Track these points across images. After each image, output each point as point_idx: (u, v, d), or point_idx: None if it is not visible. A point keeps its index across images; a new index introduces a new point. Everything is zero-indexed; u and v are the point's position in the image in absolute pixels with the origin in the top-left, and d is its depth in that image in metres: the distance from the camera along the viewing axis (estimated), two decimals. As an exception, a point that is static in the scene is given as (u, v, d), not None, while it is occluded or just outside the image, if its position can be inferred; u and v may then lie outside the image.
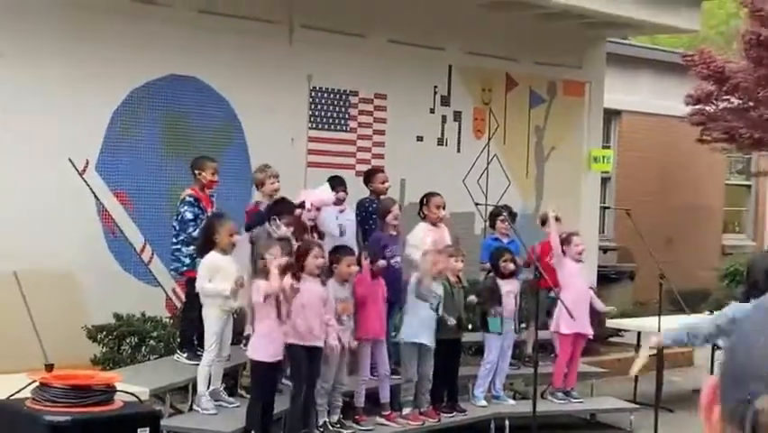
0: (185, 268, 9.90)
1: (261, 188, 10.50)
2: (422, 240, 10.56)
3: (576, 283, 10.92)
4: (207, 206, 10.07)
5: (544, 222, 12.02)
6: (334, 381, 9.26)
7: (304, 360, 8.84)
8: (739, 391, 1.24)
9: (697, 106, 16.69)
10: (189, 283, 9.73)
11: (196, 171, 10.12)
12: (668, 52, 19.78)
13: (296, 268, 8.70)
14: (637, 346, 12.44)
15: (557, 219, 11.16)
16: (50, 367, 6.04)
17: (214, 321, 8.95)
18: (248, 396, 9.27)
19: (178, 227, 9.92)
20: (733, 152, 19.49)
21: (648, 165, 19.22)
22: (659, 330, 10.43)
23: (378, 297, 9.74)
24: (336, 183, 10.89)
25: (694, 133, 16.99)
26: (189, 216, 9.84)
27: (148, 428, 5.81)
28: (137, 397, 6.04)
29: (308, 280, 8.85)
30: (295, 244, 9.48)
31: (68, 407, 5.59)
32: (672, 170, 19.56)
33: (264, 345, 8.41)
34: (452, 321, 9.98)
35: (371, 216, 11.05)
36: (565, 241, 11.12)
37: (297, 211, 10.05)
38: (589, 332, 11.18)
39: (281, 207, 9.91)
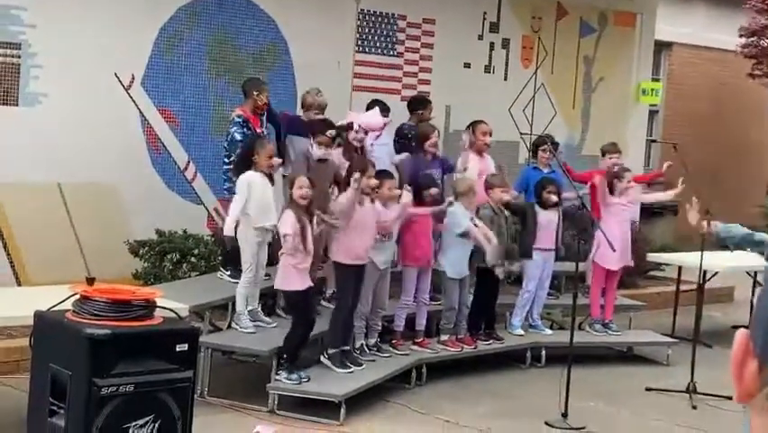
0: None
1: (306, 112, 10.45)
2: (470, 170, 10.47)
3: (617, 219, 10.83)
4: (257, 127, 10.05)
5: (604, 153, 11.94)
6: (376, 304, 9.29)
7: (352, 278, 8.88)
8: None
9: (751, 39, 16.41)
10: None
11: (255, 92, 10.05)
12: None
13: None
14: (678, 280, 12.40)
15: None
16: (91, 280, 6.10)
17: (250, 242, 8.98)
18: (285, 317, 9.34)
19: (227, 147, 9.90)
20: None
21: (697, 99, 18.98)
22: (701, 266, 10.37)
23: (426, 225, 9.73)
24: (380, 108, 10.82)
25: (745, 68, 16.74)
26: (238, 136, 9.80)
27: (186, 345, 5.87)
28: (176, 313, 6.10)
29: (365, 201, 8.86)
30: (343, 165, 9.42)
31: (107, 320, 5.64)
32: (721, 105, 19.31)
33: (294, 275, 8.41)
34: (501, 273, 10.01)
35: (411, 142, 10.96)
36: (617, 175, 11.03)
37: (346, 133, 9.96)
38: (629, 263, 11.12)
39: (318, 127, 9.82)
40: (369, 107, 10.69)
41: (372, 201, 9.00)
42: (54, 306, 5.92)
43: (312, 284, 8.62)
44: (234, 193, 9.40)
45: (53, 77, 10.22)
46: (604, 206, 10.86)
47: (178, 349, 5.80)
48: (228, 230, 8.98)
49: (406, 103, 11.81)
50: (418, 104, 11.58)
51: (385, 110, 10.87)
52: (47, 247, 10.05)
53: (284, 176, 9.75)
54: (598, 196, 11.04)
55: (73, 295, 5.85)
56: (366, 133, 10.00)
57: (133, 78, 10.79)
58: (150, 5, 10.85)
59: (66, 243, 10.28)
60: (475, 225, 9.77)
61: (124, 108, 10.74)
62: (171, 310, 6.05)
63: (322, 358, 8.90)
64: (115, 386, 5.55)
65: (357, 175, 8.61)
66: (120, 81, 10.69)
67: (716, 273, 11.60)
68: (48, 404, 5.71)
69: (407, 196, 9.33)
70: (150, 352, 5.75)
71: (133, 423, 5.65)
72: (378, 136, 10.63)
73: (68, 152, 10.26)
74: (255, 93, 10.06)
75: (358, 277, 8.93)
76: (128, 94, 10.77)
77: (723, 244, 7.53)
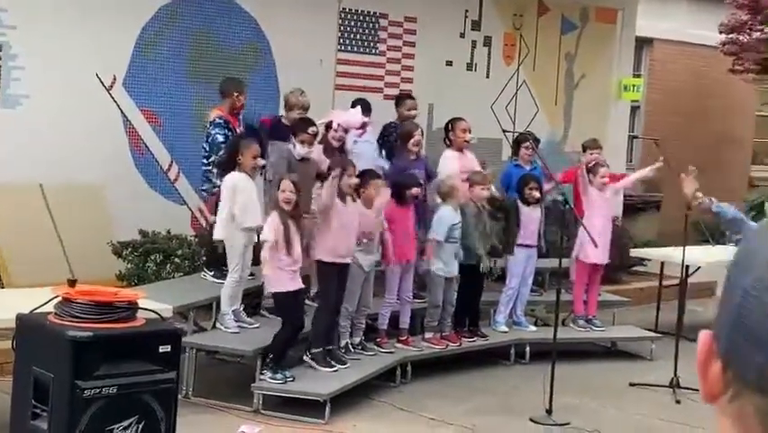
0: (216, 189, 9.90)
1: (289, 112, 10.43)
2: (450, 168, 10.51)
3: (599, 213, 10.86)
4: (236, 127, 10.06)
5: (585, 149, 11.97)
6: (360, 303, 9.30)
7: (334, 277, 8.89)
8: (762, 352, 1.07)
9: (730, 35, 16.47)
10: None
11: (235, 93, 10.06)
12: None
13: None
14: (661, 276, 12.45)
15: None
16: (72, 282, 6.10)
17: (235, 243, 8.98)
18: (270, 316, 9.35)
19: (208, 149, 9.90)
20: (764, 83, 19.25)
21: (678, 95, 19.03)
22: (683, 262, 10.43)
23: (408, 223, 9.75)
24: (362, 107, 10.83)
25: (726, 63, 16.78)
26: (220, 138, 9.80)
27: (169, 346, 5.87)
28: (159, 314, 6.09)
29: (347, 199, 8.87)
30: (324, 162, 9.44)
31: (90, 322, 5.64)
32: (703, 101, 19.37)
33: (283, 276, 8.41)
34: (485, 266, 10.04)
35: (396, 140, 10.99)
36: (592, 170, 11.07)
37: (322, 131, 9.97)
38: (606, 260, 11.15)
39: (299, 126, 9.83)
40: (352, 106, 10.70)
41: (354, 200, 9.01)
42: (36, 308, 5.91)
43: (302, 285, 8.62)
44: (212, 194, 9.42)
45: (34, 78, 10.20)
46: (585, 197, 10.88)
47: (160, 350, 5.80)
48: (218, 234, 8.97)
49: (390, 101, 11.83)
50: (398, 100, 11.63)
51: (367, 109, 10.89)
52: (30, 249, 10.03)
53: (268, 180, 9.71)
54: (580, 188, 11.06)
55: (55, 297, 5.84)
56: (346, 131, 10.01)
57: (115, 79, 10.78)
58: (131, 6, 10.84)
59: (49, 244, 10.25)
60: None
61: (106, 109, 10.72)
62: (154, 312, 6.05)
63: (305, 357, 8.90)
64: (98, 388, 5.55)
65: (335, 172, 8.63)
66: (101, 82, 10.67)
67: (698, 268, 11.65)
68: (31, 407, 5.71)
69: (384, 195, 9.34)
70: (133, 353, 5.75)
71: (117, 425, 5.65)
72: (362, 134, 10.64)
73: (50, 154, 10.23)
74: (236, 94, 10.07)
75: (341, 276, 8.94)
76: (110, 95, 10.75)
77: (716, 221, 7.45)
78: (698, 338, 1.18)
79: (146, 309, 5.99)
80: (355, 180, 8.96)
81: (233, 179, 8.94)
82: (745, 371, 1.09)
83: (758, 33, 16.22)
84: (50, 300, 5.86)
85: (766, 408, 1.07)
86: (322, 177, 9.10)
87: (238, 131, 10.01)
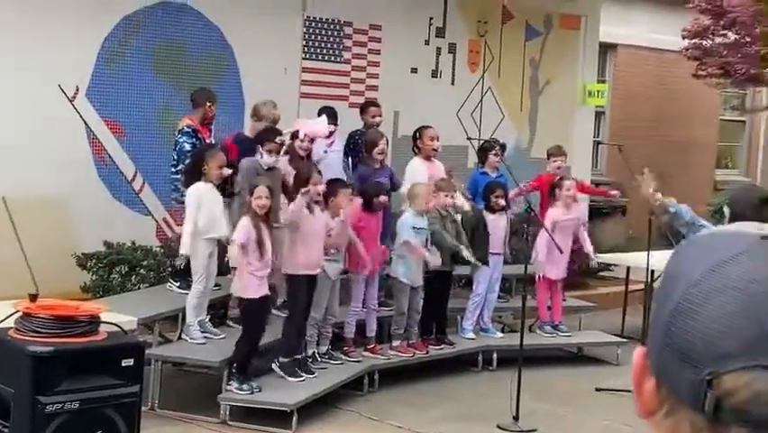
0: (184, 197, 9.85)
1: (256, 122, 10.39)
2: (418, 176, 10.53)
3: (563, 235, 10.87)
4: (206, 137, 10.04)
5: (549, 156, 12.00)
6: (327, 311, 9.29)
7: (304, 287, 8.87)
8: (691, 369, 1.08)
9: (693, 41, 16.56)
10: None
11: (208, 103, 10.06)
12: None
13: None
14: (627, 281, 12.51)
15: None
16: (33, 297, 6.05)
17: (200, 253, 8.94)
18: (235, 327, 9.33)
19: (176, 157, 9.88)
20: (728, 88, 19.40)
21: (643, 100, 19.13)
22: (648, 266, 10.49)
23: (373, 230, 9.76)
24: (328, 115, 10.83)
25: (690, 68, 16.87)
26: (188, 146, 9.79)
27: (132, 359, 5.83)
28: (121, 328, 6.06)
29: (315, 208, 8.87)
30: (290, 173, 9.44)
31: (51, 337, 5.59)
32: (667, 105, 19.48)
33: (252, 282, 8.39)
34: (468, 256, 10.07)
35: (361, 148, 11.01)
36: (557, 185, 11.11)
37: (288, 140, 9.96)
38: (563, 275, 11.20)
39: (265, 135, 9.81)
40: (319, 115, 10.71)
41: (323, 210, 9.02)
42: (-3, 323, 5.86)
43: (268, 293, 8.61)
44: (181, 202, 9.37)
45: (-4, 90, 10.13)
46: (549, 212, 10.95)
47: (123, 364, 5.76)
48: (184, 249, 8.92)
49: (356, 109, 11.83)
50: (363, 108, 11.64)
51: (334, 117, 10.90)
52: (-8, 262, 9.94)
53: (236, 193, 9.66)
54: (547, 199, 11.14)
55: (16, 312, 5.80)
56: (312, 140, 10.01)
57: (78, 90, 10.72)
58: (93, 16, 10.78)
59: (12, 257, 10.11)
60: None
61: (70, 120, 10.66)
62: (116, 325, 6.02)
63: (273, 366, 8.88)
64: (60, 403, 5.50)
65: (307, 189, 8.63)
66: (64, 93, 10.61)
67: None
68: (-8, 423, 5.66)
69: (352, 204, 9.34)
70: (96, 368, 5.70)
71: (80, 440, 5.61)
72: (331, 143, 10.66)
73: (12, 166, 10.16)
74: (208, 104, 10.07)
75: (310, 286, 8.94)
76: (73, 106, 10.69)
77: (670, 223, 7.44)
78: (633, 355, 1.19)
79: (109, 323, 5.95)
80: (322, 188, 8.96)
81: (197, 190, 8.91)
82: (677, 388, 1.10)
83: (721, 38, 16.33)
84: (10, 315, 5.82)
85: (701, 424, 1.08)
86: (287, 190, 9.09)
87: (208, 141, 9.99)
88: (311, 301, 9.01)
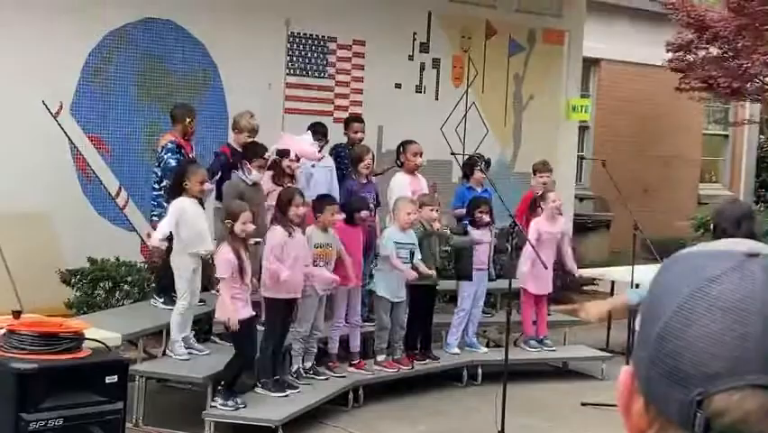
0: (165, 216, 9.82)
1: (238, 135, 10.39)
2: (402, 190, 10.54)
3: (547, 250, 10.88)
4: (189, 152, 10.03)
5: (535, 172, 12.02)
6: (312, 327, 9.27)
7: (282, 311, 8.86)
8: (680, 389, 1.08)
9: (677, 54, 16.65)
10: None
11: (187, 119, 10.03)
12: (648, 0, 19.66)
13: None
14: (611, 295, 12.51)
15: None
16: (17, 313, 6.03)
17: (183, 269, 8.92)
18: (220, 342, 9.30)
19: (160, 174, 9.82)
20: (711, 102, 19.49)
21: (626, 114, 19.20)
22: (632, 281, 10.50)
23: (356, 245, 9.76)
24: (318, 131, 10.86)
25: (673, 82, 16.96)
26: (173, 162, 9.72)
27: (116, 376, 5.82)
28: (105, 345, 6.04)
29: (295, 232, 8.85)
30: (272, 190, 9.45)
31: (34, 354, 5.58)
32: (651, 120, 19.55)
33: (236, 305, 8.35)
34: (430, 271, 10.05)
35: (344, 161, 11.02)
36: (541, 197, 11.13)
37: (275, 158, 9.96)
38: (549, 290, 11.23)
39: (253, 151, 9.81)
40: (308, 129, 10.76)
41: (303, 232, 9.02)
42: (-20, 340, 5.83)
43: (254, 313, 8.56)
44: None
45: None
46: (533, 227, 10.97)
47: (107, 381, 5.75)
48: (154, 240, 8.91)
49: (340, 124, 11.86)
50: (346, 123, 11.66)
51: (323, 133, 10.92)
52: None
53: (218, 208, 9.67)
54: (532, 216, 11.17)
55: (-1, 329, 5.78)
56: (298, 159, 10.05)
57: (62, 106, 10.70)
58: (77, 31, 10.77)
59: (-5, 273, 10.13)
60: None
61: (53, 136, 10.64)
62: (100, 342, 6.00)
63: (257, 388, 8.86)
64: (44, 420, 5.48)
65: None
66: (48, 109, 10.59)
67: (648, 287, 11.71)
68: (-25, 441, 5.63)
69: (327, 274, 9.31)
70: (79, 385, 5.68)
71: (63, 457, 5.58)
72: (321, 158, 10.68)
73: (-4, 182, 10.14)
74: (187, 119, 10.05)
75: (288, 309, 8.93)
76: (56, 121, 10.67)
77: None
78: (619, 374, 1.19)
79: (92, 340, 5.93)
80: (303, 210, 8.95)
81: (181, 204, 8.90)
82: (666, 408, 1.10)
83: (704, 52, 16.42)
84: (-6, 332, 5.79)
85: None
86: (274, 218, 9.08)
87: (190, 156, 9.97)
88: (287, 322, 8.99)
